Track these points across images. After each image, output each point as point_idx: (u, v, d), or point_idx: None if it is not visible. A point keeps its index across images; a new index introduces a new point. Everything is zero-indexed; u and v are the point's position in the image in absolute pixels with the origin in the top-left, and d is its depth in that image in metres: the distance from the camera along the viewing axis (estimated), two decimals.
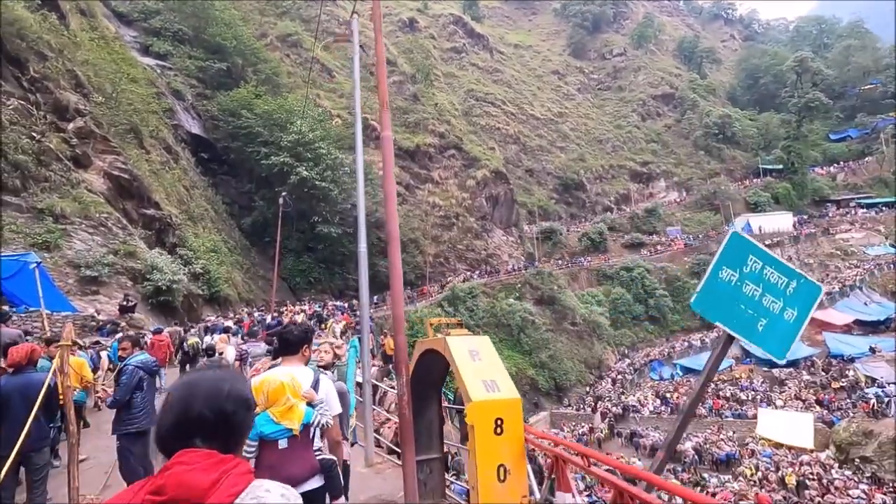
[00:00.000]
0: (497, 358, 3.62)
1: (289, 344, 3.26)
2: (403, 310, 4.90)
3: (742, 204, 63.64)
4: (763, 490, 18.55)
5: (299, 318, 17.99)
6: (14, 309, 11.54)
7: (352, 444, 5.64)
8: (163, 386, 8.79)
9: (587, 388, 39.25)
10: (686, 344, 43.14)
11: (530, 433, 3.53)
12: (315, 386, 3.15)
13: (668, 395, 32.50)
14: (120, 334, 9.96)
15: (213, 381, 1.32)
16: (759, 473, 20.19)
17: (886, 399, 23.35)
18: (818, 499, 17.38)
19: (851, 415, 23.35)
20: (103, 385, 7.60)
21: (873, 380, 26.30)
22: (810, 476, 18.78)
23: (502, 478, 3.07)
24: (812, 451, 21.10)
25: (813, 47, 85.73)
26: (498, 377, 3.38)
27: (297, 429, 2.83)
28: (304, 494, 2.64)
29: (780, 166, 67.36)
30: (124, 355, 5.14)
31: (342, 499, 3.21)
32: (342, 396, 3.48)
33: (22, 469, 4.17)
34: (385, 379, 12.62)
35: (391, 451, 7.84)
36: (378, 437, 7.69)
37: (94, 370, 8.10)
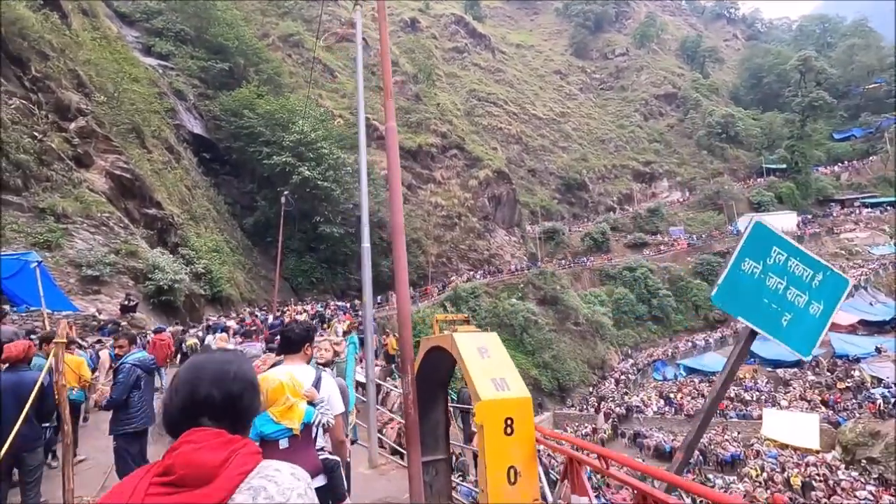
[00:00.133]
0: (506, 355, 3.49)
1: (290, 342, 3.23)
2: (409, 307, 4.78)
3: (745, 203, 63.34)
4: (769, 491, 18.38)
5: (301, 319, 17.91)
6: (15, 308, 11.50)
7: (352, 442, 5.54)
8: (163, 385, 8.70)
9: (590, 389, 39.08)
10: (689, 344, 42.95)
11: (542, 433, 3.41)
12: (317, 384, 3.09)
13: (671, 395, 32.32)
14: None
15: (219, 363, 1.31)
16: (765, 474, 20.00)
17: (893, 399, 23.16)
18: (824, 500, 17.20)
19: (857, 415, 23.15)
20: (102, 384, 7.49)
21: (879, 380, 26.09)
22: (816, 477, 18.59)
23: (513, 480, 2.95)
24: (818, 451, 20.91)
25: (816, 46, 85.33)
26: (507, 375, 3.26)
27: (298, 428, 2.79)
28: None
29: (784, 166, 67.06)
30: (121, 353, 5.04)
31: (346, 501, 3.12)
32: (342, 393, 3.39)
33: (16, 470, 4.07)
34: (388, 379, 12.52)
35: (394, 452, 7.73)
36: (381, 437, 7.57)
37: (94, 370, 8.00)
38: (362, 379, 9.08)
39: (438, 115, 52.44)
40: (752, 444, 23.36)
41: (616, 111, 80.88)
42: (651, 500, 2.22)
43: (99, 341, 10.57)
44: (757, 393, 29.58)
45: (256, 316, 19.39)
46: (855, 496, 17.17)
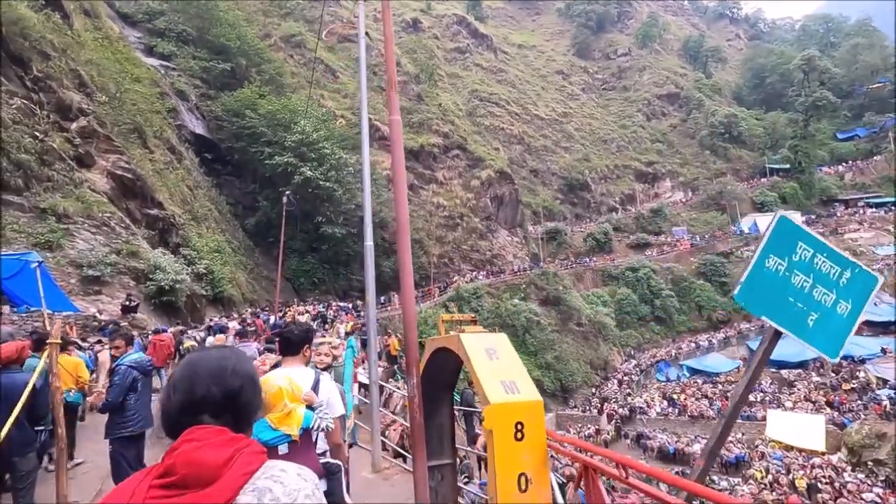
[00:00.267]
0: (516, 356, 3.36)
1: (290, 343, 3.18)
2: (414, 305, 4.66)
3: (749, 204, 63.15)
4: (774, 493, 18.19)
5: (303, 319, 17.84)
6: (15, 309, 11.43)
7: (350, 445, 5.44)
8: (162, 386, 8.58)
9: (593, 390, 38.94)
10: (693, 345, 42.79)
11: (554, 439, 3.28)
12: (315, 387, 3.04)
13: (675, 396, 32.16)
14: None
15: (216, 359, 1.28)
16: (770, 476, 19.81)
17: None
18: (830, 503, 17.00)
19: (863, 417, 22.94)
20: (101, 386, 7.38)
21: (885, 381, 25.88)
22: (822, 479, 18.40)
23: (523, 488, 2.82)
24: (823, 453, 20.70)
25: (820, 46, 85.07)
26: (517, 377, 3.12)
27: (297, 434, 2.73)
28: None
29: (787, 166, 66.84)
30: (117, 354, 4.90)
31: None
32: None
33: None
34: (390, 380, 12.41)
35: (397, 455, 7.60)
36: (384, 440, 7.45)
37: (93, 371, 7.89)
38: (365, 380, 8.97)
39: (440, 116, 52.35)
40: (757, 446, 23.17)
41: (618, 111, 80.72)
42: None
43: (99, 342, 10.49)
44: (761, 394, 29.38)
45: (258, 316, 19.31)
46: (862, 499, 16.96)
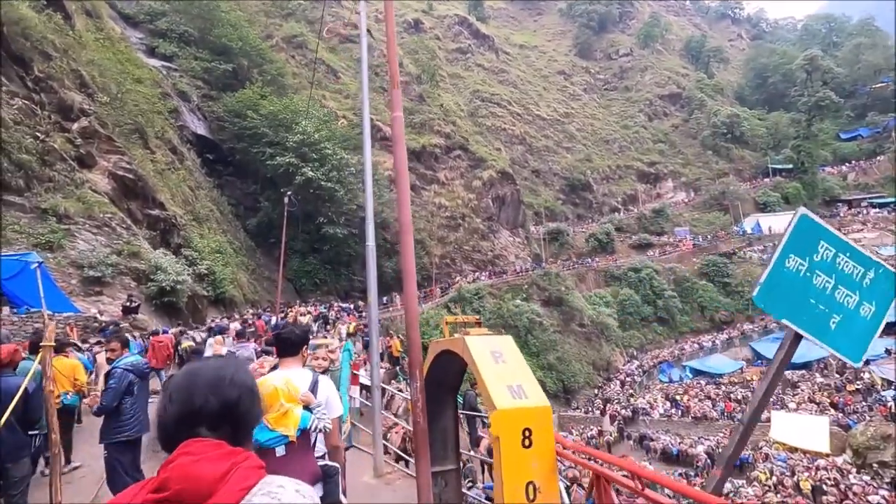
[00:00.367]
0: (522, 360, 3.26)
1: (290, 344, 3.13)
2: (416, 305, 4.56)
3: (751, 204, 62.97)
4: (778, 495, 18.05)
5: (304, 320, 17.78)
6: (15, 310, 11.38)
7: (346, 448, 5.35)
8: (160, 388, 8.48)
9: (595, 391, 38.80)
10: (696, 346, 42.63)
11: (563, 446, 3.17)
12: (313, 388, 2.99)
13: (677, 397, 32.00)
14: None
15: (213, 369, 1.25)
16: (774, 478, 19.67)
17: None
18: None
19: (868, 418, 22.77)
20: (98, 389, 7.29)
21: (889, 382, 25.70)
22: (827, 481, 18.24)
23: (532, 497, 2.71)
24: (828, 455, 20.53)
25: (822, 46, 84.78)
26: (524, 381, 3.01)
27: (294, 435, 2.67)
28: None
29: (790, 166, 66.63)
30: (113, 357, 4.79)
31: None
32: None
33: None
34: (392, 381, 12.31)
35: (398, 458, 7.50)
36: (386, 443, 7.35)
37: (91, 373, 7.80)
38: (367, 382, 8.87)
39: (442, 116, 52.25)
40: (761, 447, 23.02)
41: (620, 111, 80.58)
42: None
43: (98, 343, 10.42)
44: None
45: (259, 317, 19.23)
46: (867, 501, 16.80)
